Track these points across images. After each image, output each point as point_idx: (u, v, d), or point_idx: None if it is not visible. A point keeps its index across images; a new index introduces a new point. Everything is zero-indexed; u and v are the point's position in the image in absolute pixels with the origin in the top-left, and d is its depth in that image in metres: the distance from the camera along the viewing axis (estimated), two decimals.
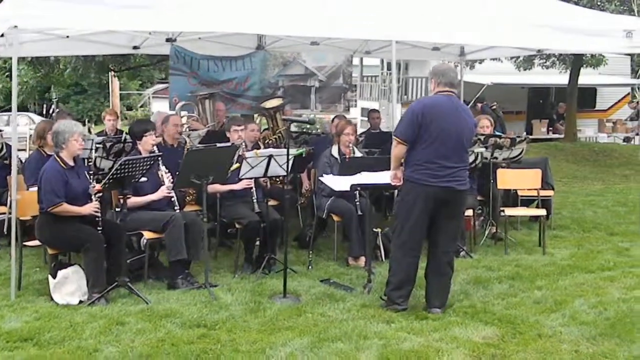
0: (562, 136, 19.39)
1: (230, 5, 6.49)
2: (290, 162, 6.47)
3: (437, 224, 5.46)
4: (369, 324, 5.14)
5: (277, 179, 7.79)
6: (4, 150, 7.23)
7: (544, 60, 18.07)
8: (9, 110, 26.16)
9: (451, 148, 5.33)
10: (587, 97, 22.06)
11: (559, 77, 19.51)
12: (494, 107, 15.07)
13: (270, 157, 6.37)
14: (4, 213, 6.94)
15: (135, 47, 9.47)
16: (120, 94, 35.94)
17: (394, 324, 5.14)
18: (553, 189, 9.16)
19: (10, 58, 12.66)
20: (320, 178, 6.77)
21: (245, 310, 5.46)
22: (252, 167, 6.37)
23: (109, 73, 14.97)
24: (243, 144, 6.98)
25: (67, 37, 8.14)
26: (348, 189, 6.18)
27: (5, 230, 6.84)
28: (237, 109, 9.88)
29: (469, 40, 8.08)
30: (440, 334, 4.91)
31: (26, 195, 6.20)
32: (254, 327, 5.10)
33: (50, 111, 21.29)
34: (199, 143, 7.87)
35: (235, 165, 6.40)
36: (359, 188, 6.23)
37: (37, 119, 20.59)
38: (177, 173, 6.08)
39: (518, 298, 5.81)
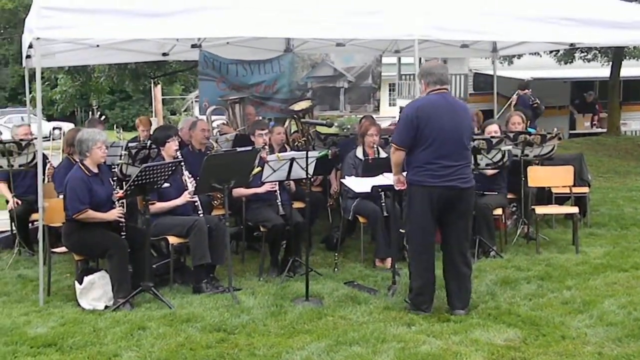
0: (605, 130, 18.94)
1: (256, 10, 6.50)
2: (313, 165, 6.47)
3: (447, 224, 5.41)
4: (389, 326, 5.09)
5: (303, 181, 7.81)
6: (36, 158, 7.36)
7: (585, 54, 17.69)
8: (52, 118, 26.79)
9: (450, 147, 5.26)
10: (632, 90, 21.48)
11: (602, 70, 19.07)
12: (536, 104, 14.67)
13: (292, 160, 6.36)
14: (37, 220, 7.07)
15: (164, 54, 9.61)
16: (164, 99, 36.54)
17: (414, 327, 5.08)
18: (589, 186, 8.92)
19: (48, 68, 13.05)
20: (342, 180, 6.73)
21: (267, 314, 5.46)
22: (275, 171, 6.37)
23: (152, 79, 15.15)
24: (266, 147, 6.99)
25: (98, 46, 8.30)
26: (369, 190, 6.13)
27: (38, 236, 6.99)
28: (266, 112, 9.93)
29: (493, 37, 7.97)
30: (461, 336, 4.84)
31: (55, 203, 6.32)
32: (273, 331, 5.10)
33: (97, 118, 21.68)
34: (229, 147, 7.92)
35: (257, 169, 6.40)
36: (380, 189, 6.17)
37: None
38: (198, 178, 6.11)
39: (545, 299, 5.69)
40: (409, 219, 5.52)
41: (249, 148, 6.35)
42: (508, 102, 13.55)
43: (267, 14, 6.51)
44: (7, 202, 7.77)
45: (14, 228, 7.68)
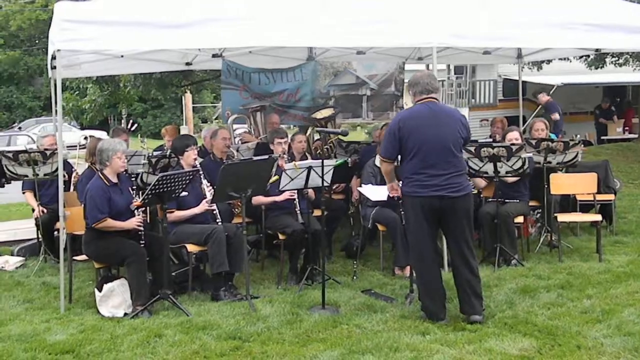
0: (637, 136, 18.63)
1: (277, 20, 6.56)
2: (331, 173, 6.49)
3: (446, 233, 5.45)
4: (403, 335, 5.07)
5: (325, 189, 7.83)
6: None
7: (616, 58, 17.42)
8: (85, 126, 27.20)
9: (435, 156, 5.25)
10: None
11: (635, 75, 18.75)
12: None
13: (309, 168, 6.38)
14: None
15: (187, 64, 9.71)
16: (195, 107, 36.89)
17: (429, 336, 5.06)
18: (615, 193, 8.78)
19: (77, 78, 13.27)
20: (358, 188, 6.74)
21: (282, 322, 5.48)
22: (292, 179, 6.40)
23: (178, 88, 15.34)
24: (284, 155, 7.03)
25: (122, 56, 8.42)
26: (385, 198, 6.13)
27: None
28: (289, 120, 9.98)
29: (514, 44, 7.96)
30: (475, 346, 4.80)
31: (77, 211, 6.42)
32: (287, 339, 5.11)
33: (129, 126, 22.01)
34: (250, 156, 7.97)
35: (274, 178, 6.45)
36: (396, 198, 6.16)
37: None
38: (214, 187, 6.17)
39: (564, 308, 5.62)
40: (407, 229, 5.58)
41: (266, 157, 6.37)
42: (538, 108, 13.40)
43: (288, 23, 6.56)
44: (33, 210, 7.92)
45: (39, 236, 7.83)
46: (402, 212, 6.04)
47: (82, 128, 30.57)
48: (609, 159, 14.38)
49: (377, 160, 7.37)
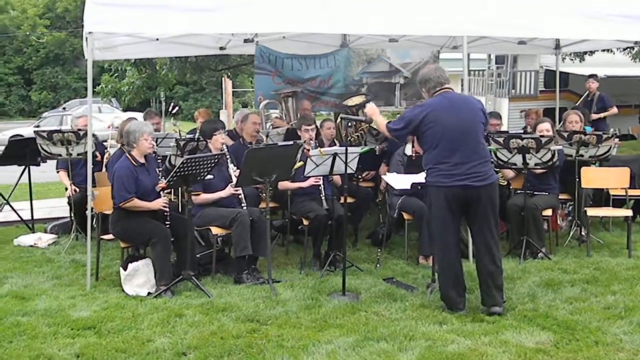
0: None
1: (311, 5, 6.54)
2: (356, 160, 6.49)
3: (471, 223, 5.41)
4: (420, 324, 5.07)
5: (355, 177, 7.86)
6: (94, 147, 7.64)
7: None
8: (127, 109, 27.60)
9: (458, 144, 5.22)
10: None
11: None
12: None
13: (334, 155, 6.39)
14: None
15: (221, 48, 9.77)
16: (235, 92, 37.08)
17: (446, 326, 5.05)
18: None
19: (115, 61, 13.45)
20: (383, 176, 6.73)
21: (301, 307, 5.52)
22: (317, 165, 6.42)
23: (215, 72, 15.44)
24: (312, 141, 7.05)
25: (157, 39, 8.51)
26: (408, 187, 6.11)
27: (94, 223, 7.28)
28: (320, 106, 9.97)
29: (547, 34, 7.84)
30: (491, 337, 4.77)
31: (106, 191, 6.53)
32: (304, 323, 5.16)
33: (170, 109, 22.26)
34: (280, 141, 8.01)
35: (299, 164, 6.47)
36: (419, 186, 6.14)
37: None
38: (239, 172, 6.22)
39: (587, 303, 5.54)
40: (430, 219, 5.53)
41: (290, 142, 6.40)
42: (580, 100, 13.08)
43: (321, 10, 6.54)
44: (66, 189, 8.09)
45: (72, 214, 8.01)
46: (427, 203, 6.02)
47: (125, 110, 31.04)
48: None
49: (408, 149, 7.35)
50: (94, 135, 7.55)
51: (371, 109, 5.85)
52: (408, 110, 5.62)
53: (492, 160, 6.24)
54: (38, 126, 26.00)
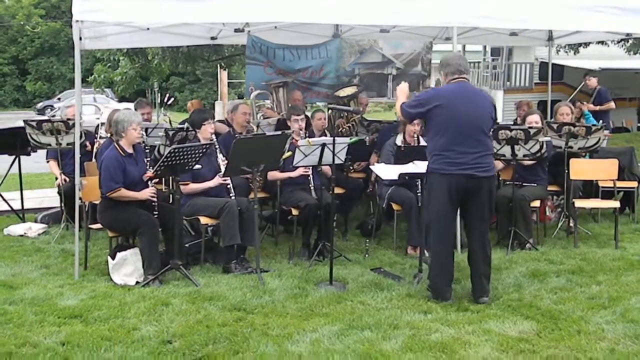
0: None
1: None
2: (345, 150, 6.51)
3: (468, 212, 5.41)
4: (405, 313, 5.11)
5: (347, 167, 7.88)
6: (83, 137, 7.64)
7: None
8: (123, 99, 27.50)
9: (467, 134, 5.24)
10: None
11: None
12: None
13: (323, 145, 6.40)
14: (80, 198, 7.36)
15: (213, 38, 9.76)
16: (231, 83, 36.99)
17: (431, 315, 5.09)
18: (639, 181, 8.62)
19: (108, 50, 13.39)
20: (371, 166, 6.74)
21: (288, 296, 5.55)
22: (306, 156, 6.43)
23: (209, 62, 15.41)
24: (301, 132, 7.05)
25: (148, 29, 8.50)
26: (396, 178, 6.13)
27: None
28: (312, 97, 9.94)
29: (539, 25, 7.85)
30: (474, 326, 4.81)
31: (95, 181, 6.53)
32: (290, 312, 5.19)
33: (166, 99, 22.25)
34: (271, 131, 8.02)
35: (287, 154, 6.48)
36: (406, 177, 6.16)
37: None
38: (227, 162, 6.23)
39: (572, 293, 5.58)
40: (429, 206, 5.53)
41: (279, 132, 6.40)
42: (574, 92, 13.02)
43: (313, 0, 6.54)
44: (56, 179, 8.09)
45: (62, 204, 8.01)
46: (423, 190, 6.16)
47: (120, 101, 31.00)
48: None
49: (398, 139, 7.37)
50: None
51: (401, 90, 5.80)
52: (423, 92, 5.63)
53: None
54: (54, 115, 25.94)
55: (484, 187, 5.32)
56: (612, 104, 11.18)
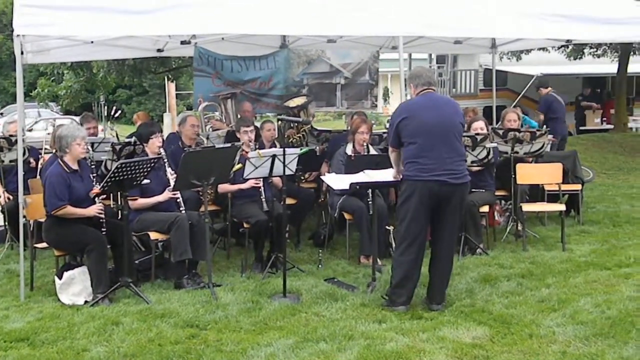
0: (613, 127, 18.78)
1: (248, 7, 6.48)
2: (295, 161, 6.49)
3: (438, 219, 5.44)
4: (359, 323, 5.09)
5: (299, 178, 7.87)
6: (27, 154, 7.46)
7: (595, 49, 17.52)
8: (69, 112, 26.95)
9: (435, 140, 5.30)
10: None
11: (613, 66, 18.85)
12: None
13: (273, 157, 6.37)
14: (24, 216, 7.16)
15: (159, 50, 9.64)
16: (181, 94, 36.60)
17: (385, 324, 5.09)
18: (583, 184, 8.83)
19: (52, 64, 13.12)
20: (322, 177, 6.74)
21: (241, 310, 5.48)
22: (256, 167, 6.40)
23: (155, 75, 15.23)
24: (251, 144, 7.01)
25: (92, 42, 8.35)
26: (347, 187, 6.14)
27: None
28: (262, 108, 9.94)
29: (481, 33, 8.00)
30: (429, 334, 4.83)
31: (39, 198, 6.36)
32: (244, 327, 5.12)
33: (112, 112, 21.88)
34: (220, 143, 7.95)
35: (237, 166, 6.43)
36: (357, 186, 6.18)
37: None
38: (176, 175, 6.15)
39: (522, 297, 5.65)
40: (399, 212, 5.50)
41: (228, 145, 6.36)
42: (517, 98, 13.27)
43: (259, 11, 6.51)
44: None
45: (5, 223, 7.79)
46: (374, 199, 6.35)
47: (65, 114, 30.33)
48: (585, 150, 14.54)
49: (348, 149, 7.39)
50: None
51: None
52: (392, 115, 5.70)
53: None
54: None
55: (457, 194, 5.36)
56: (540, 116, 11.50)
